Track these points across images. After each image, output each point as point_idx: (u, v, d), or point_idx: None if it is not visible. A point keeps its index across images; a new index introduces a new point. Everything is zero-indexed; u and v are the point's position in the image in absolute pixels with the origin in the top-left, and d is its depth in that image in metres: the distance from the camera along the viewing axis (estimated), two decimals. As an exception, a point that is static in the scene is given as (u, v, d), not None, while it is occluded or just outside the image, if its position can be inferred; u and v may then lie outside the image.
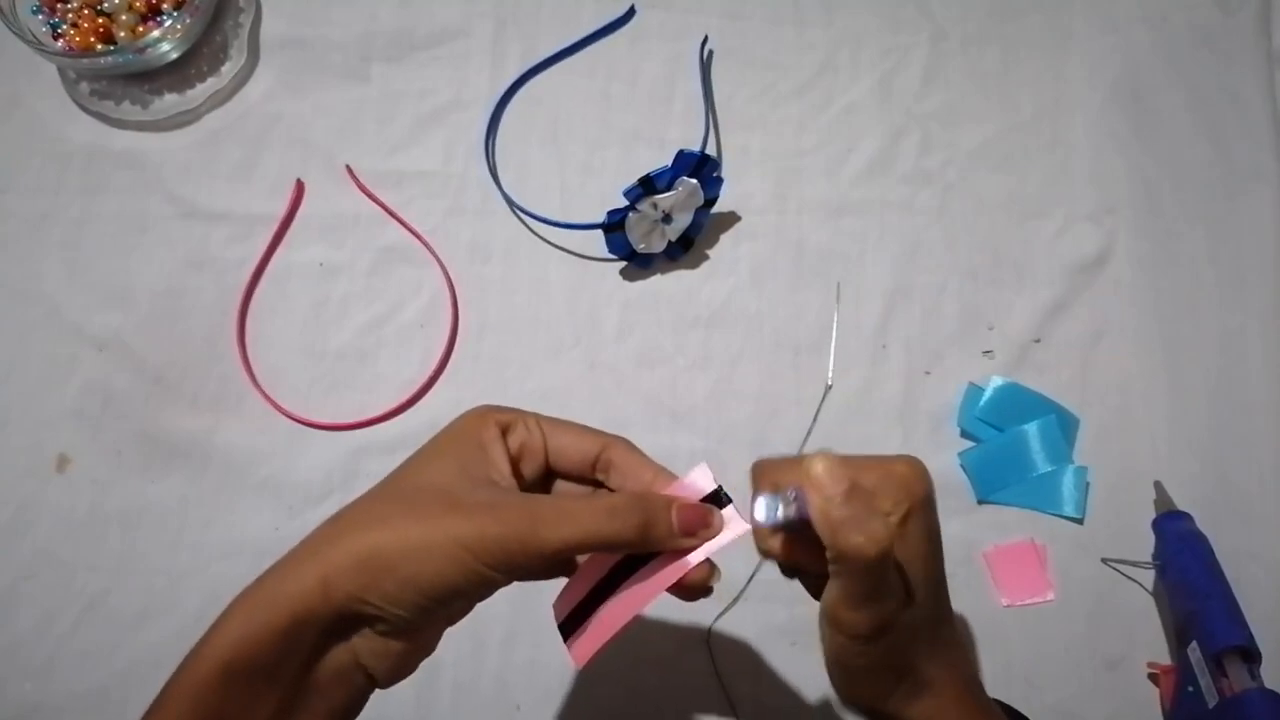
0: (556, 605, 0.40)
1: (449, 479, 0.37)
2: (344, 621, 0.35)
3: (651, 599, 0.37)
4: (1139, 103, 0.72)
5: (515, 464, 0.39)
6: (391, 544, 0.35)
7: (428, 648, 0.38)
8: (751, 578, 0.61)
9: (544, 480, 0.41)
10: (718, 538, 0.38)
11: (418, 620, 0.35)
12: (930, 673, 0.40)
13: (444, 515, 0.35)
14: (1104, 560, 0.62)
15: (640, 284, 0.68)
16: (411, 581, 0.34)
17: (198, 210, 0.68)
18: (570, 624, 0.39)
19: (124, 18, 0.69)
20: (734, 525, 0.38)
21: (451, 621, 0.39)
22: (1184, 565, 0.58)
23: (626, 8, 0.73)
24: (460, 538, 0.34)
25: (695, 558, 0.37)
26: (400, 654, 0.37)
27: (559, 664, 0.60)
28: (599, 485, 0.41)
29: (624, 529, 0.36)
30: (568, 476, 0.41)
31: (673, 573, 0.37)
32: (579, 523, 0.35)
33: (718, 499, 0.38)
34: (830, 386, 0.65)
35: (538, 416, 0.40)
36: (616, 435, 0.41)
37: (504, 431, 0.39)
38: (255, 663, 0.35)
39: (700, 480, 0.39)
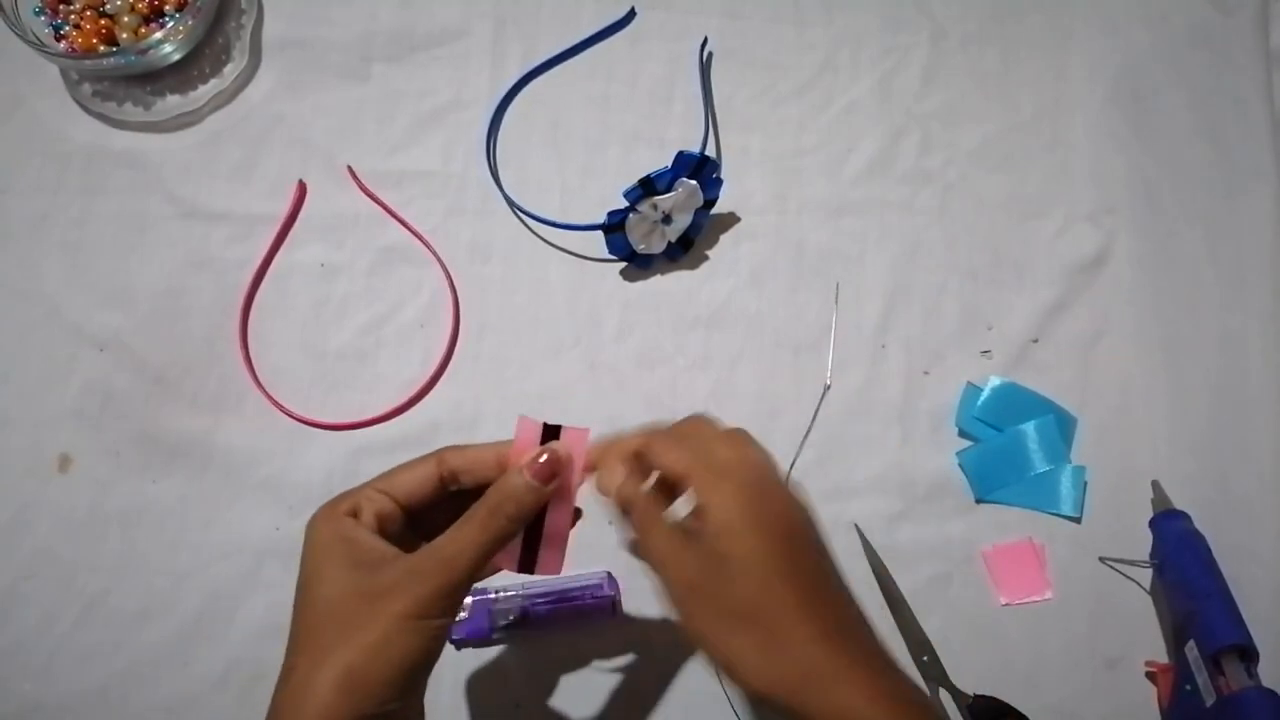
0: (503, 560, 0.43)
1: (349, 582, 0.40)
2: None
3: (572, 500, 0.43)
4: (1139, 103, 0.72)
5: (381, 532, 0.42)
6: (358, 658, 0.38)
7: None
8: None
9: (410, 528, 0.44)
10: (573, 454, 0.43)
11: (412, 702, 0.40)
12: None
13: (377, 608, 0.38)
14: (1102, 559, 0.62)
15: (640, 284, 0.68)
16: (389, 673, 0.38)
17: (198, 210, 0.68)
18: (527, 561, 0.44)
19: (126, 19, 0.69)
20: (577, 436, 0.43)
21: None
22: (1182, 564, 0.58)
23: (627, 9, 0.73)
24: (404, 613, 0.38)
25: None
26: None
27: (559, 664, 0.60)
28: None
29: (503, 519, 0.41)
30: (426, 509, 0.44)
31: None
32: (471, 540, 0.40)
33: (555, 433, 0.43)
34: (829, 386, 0.66)
35: (371, 484, 0.43)
36: (436, 451, 0.44)
37: (354, 514, 0.42)
38: None
39: (528, 431, 0.43)
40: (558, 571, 0.44)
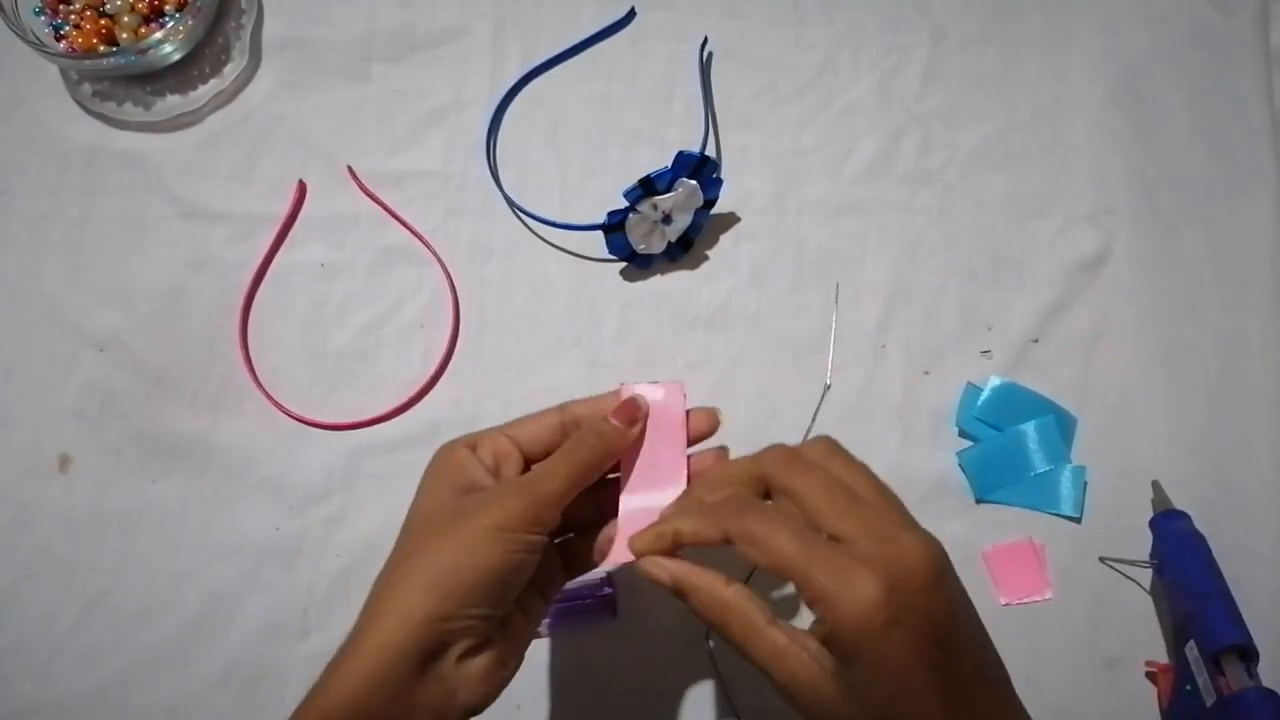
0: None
1: (452, 498, 0.43)
2: (430, 654, 0.39)
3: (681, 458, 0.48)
4: (1139, 103, 0.72)
5: (495, 472, 0.45)
6: (445, 561, 0.40)
7: (508, 663, 0.43)
8: (750, 577, 0.61)
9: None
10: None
11: (492, 613, 0.41)
12: None
13: (469, 519, 0.41)
14: (1102, 559, 0.62)
15: (640, 284, 0.68)
16: (475, 577, 0.40)
17: (198, 210, 0.68)
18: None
19: (126, 19, 0.69)
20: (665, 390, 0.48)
21: (518, 638, 0.44)
22: (1182, 564, 0.58)
23: (627, 9, 0.73)
24: (493, 525, 0.41)
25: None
26: (487, 670, 0.41)
27: (559, 664, 0.60)
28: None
29: (586, 449, 0.45)
30: (536, 446, 0.47)
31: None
32: (557, 465, 0.44)
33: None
34: (829, 386, 0.66)
35: (496, 427, 0.47)
36: (563, 403, 0.48)
37: (473, 449, 0.45)
38: (356, 713, 0.38)
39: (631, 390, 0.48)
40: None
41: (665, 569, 0.42)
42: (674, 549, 0.42)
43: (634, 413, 0.47)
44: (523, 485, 0.43)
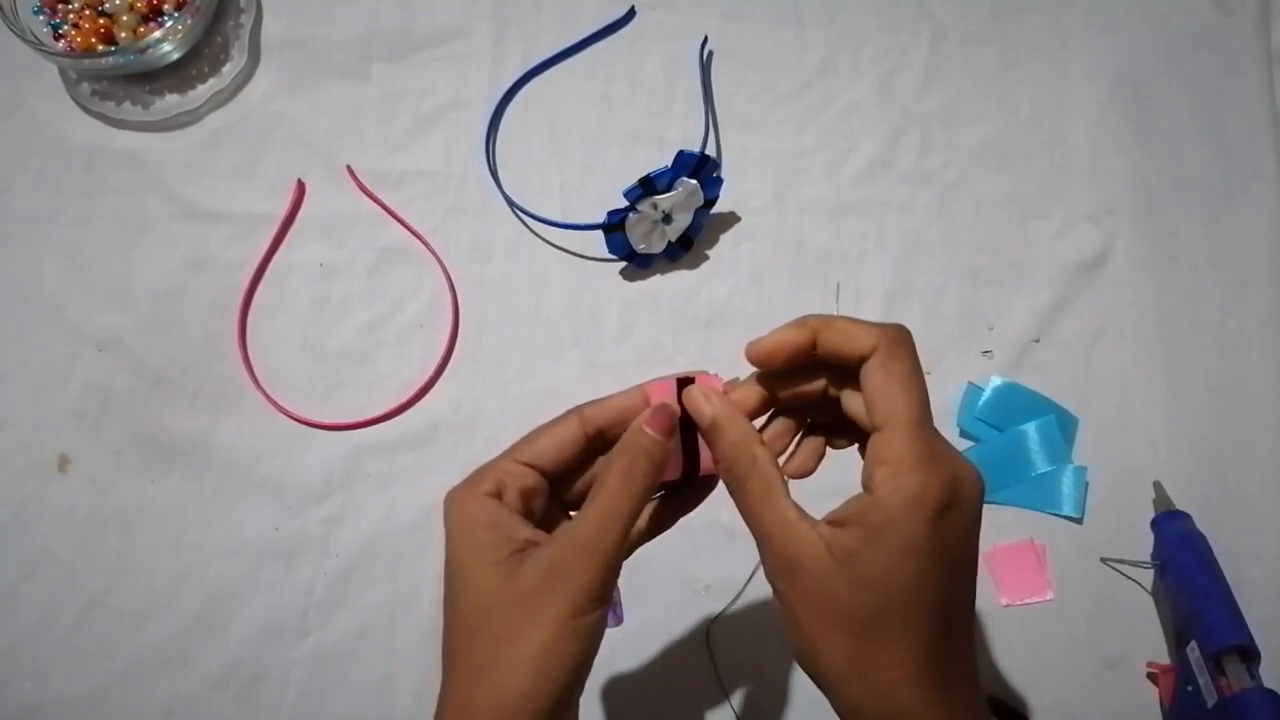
0: (667, 473, 0.40)
1: (495, 584, 0.36)
2: None
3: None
4: (1139, 103, 0.72)
5: (528, 513, 0.39)
6: (518, 678, 0.35)
7: None
8: (751, 577, 0.61)
9: (553, 497, 0.41)
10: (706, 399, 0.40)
11: (573, 705, 0.36)
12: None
13: (530, 615, 0.35)
14: (1103, 560, 0.62)
15: (640, 284, 0.68)
16: (552, 687, 0.35)
17: (198, 210, 0.68)
18: (691, 468, 0.41)
19: (125, 18, 0.69)
20: (708, 382, 0.41)
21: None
22: (1183, 565, 0.58)
23: (626, 8, 0.73)
24: (557, 616, 0.35)
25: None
26: None
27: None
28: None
29: (639, 480, 0.37)
30: (570, 471, 0.41)
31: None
32: (611, 515, 0.36)
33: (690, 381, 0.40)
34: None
35: (511, 454, 0.40)
36: (571, 410, 0.41)
37: (498, 495, 0.38)
38: None
39: (660, 389, 0.40)
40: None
41: (710, 403, 0.39)
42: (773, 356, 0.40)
43: (670, 422, 0.39)
44: (580, 557, 0.36)
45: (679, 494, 0.42)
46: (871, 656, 0.35)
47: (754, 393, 0.41)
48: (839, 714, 0.37)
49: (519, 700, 0.35)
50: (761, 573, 0.62)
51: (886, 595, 0.35)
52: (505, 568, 0.36)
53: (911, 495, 0.34)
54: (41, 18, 0.69)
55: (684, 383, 0.40)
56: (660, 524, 0.42)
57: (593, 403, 0.41)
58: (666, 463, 0.39)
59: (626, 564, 0.58)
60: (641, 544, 0.42)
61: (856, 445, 0.41)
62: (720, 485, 0.41)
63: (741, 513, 0.38)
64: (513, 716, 0.35)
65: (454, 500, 0.38)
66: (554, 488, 0.40)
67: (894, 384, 0.37)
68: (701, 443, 0.40)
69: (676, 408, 0.40)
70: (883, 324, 0.38)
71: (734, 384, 0.42)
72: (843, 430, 0.41)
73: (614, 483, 0.37)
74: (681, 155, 0.61)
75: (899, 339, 0.38)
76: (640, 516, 0.39)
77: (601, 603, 0.36)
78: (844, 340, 0.38)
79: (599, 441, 0.41)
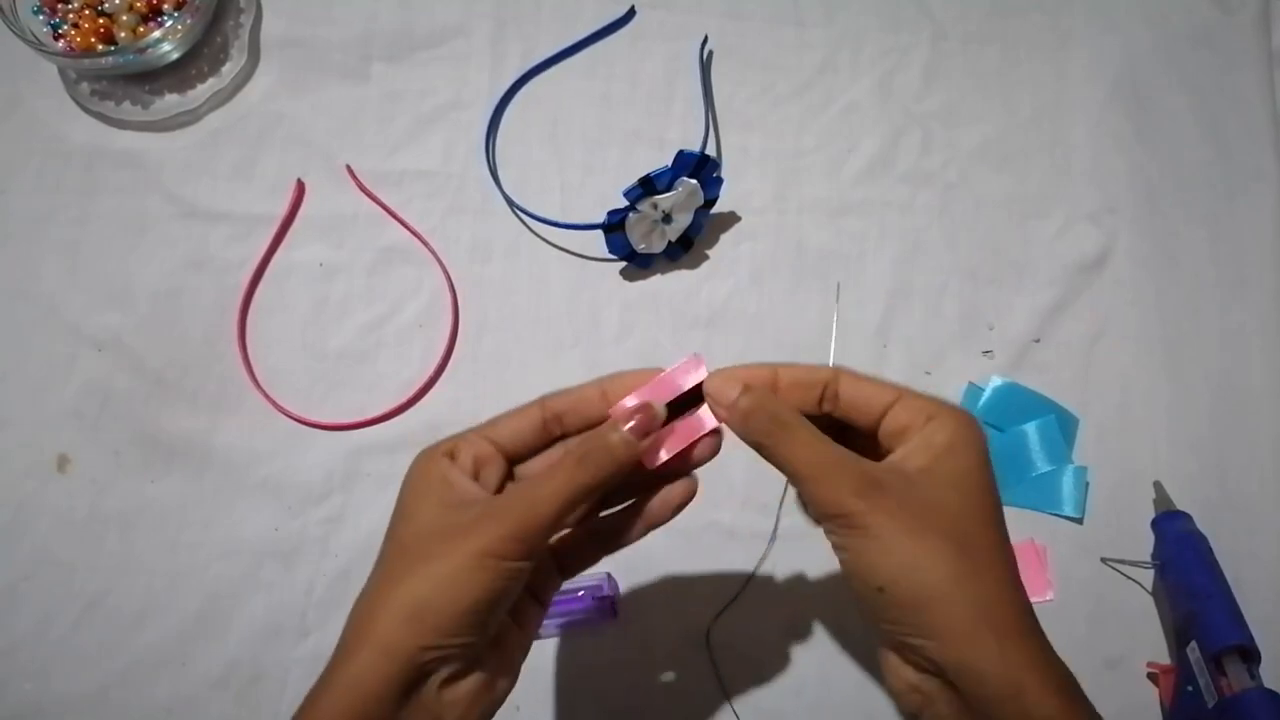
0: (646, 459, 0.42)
1: (435, 517, 0.39)
2: (412, 683, 0.37)
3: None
4: (1139, 103, 0.72)
5: (476, 477, 0.41)
6: (427, 589, 0.37)
7: (497, 684, 0.41)
8: (751, 577, 0.61)
9: (513, 476, 0.44)
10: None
11: (476, 641, 0.38)
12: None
13: (453, 545, 0.38)
14: (1103, 560, 0.62)
15: (640, 284, 0.68)
16: (457, 607, 0.37)
17: (197, 210, 0.68)
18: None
19: (125, 18, 0.69)
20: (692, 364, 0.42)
21: (511, 652, 0.42)
22: (1183, 565, 0.58)
23: (626, 8, 0.73)
24: (480, 550, 0.37)
25: (707, 422, 0.42)
26: (474, 694, 0.39)
27: (559, 664, 0.60)
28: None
29: (592, 469, 0.39)
30: (529, 455, 0.44)
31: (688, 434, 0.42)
32: (556, 486, 0.39)
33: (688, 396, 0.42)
34: (830, 386, 0.65)
35: (474, 429, 0.43)
36: (540, 397, 0.44)
37: (452, 457, 0.41)
38: None
39: (684, 374, 0.42)
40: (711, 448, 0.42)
41: (734, 376, 0.42)
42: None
43: (650, 423, 0.40)
44: (511, 508, 0.39)
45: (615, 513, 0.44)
46: (975, 559, 0.37)
47: (764, 373, 0.42)
48: (929, 635, 0.36)
49: (424, 610, 0.37)
50: (761, 573, 0.62)
51: (970, 499, 0.38)
52: (446, 510, 0.39)
53: (965, 421, 0.39)
54: (41, 17, 0.69)
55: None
56: (592, 531, 0.44)
57: (557, 391, 0.44)
58: (627, 462, 0.40)
59: (627, 564, 0.58)
60: (569, 526, 0.44)
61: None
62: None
63: (791, 459, 0.39)
64: (416, 621, 0.37)
65: (414, 461, 0.42)
66: (512, 465, 0.43)
67: (880, 383, 0.41)
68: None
69: (661, 411, 0.41)
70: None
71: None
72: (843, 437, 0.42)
73: (570, 463, 0.39)
74: (681, 155, 0.61)
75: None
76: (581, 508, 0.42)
77: (519, 555, 0.38)
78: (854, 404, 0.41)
79: (556, 426, 0.43)
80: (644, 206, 0.63)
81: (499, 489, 0.42)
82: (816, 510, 0.38)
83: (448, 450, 0.42)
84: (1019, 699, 0.35)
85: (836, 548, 0.38)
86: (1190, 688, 0.55)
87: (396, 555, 0.40)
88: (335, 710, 0.37)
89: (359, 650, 0.37)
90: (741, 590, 0.61)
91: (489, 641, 0.39)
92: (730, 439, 0.62)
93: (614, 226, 0.64)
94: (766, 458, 0.40)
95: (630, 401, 0.42)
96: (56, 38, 0.69)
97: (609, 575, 0.60)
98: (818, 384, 0.41)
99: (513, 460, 0.43)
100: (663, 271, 0.68)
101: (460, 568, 0.37)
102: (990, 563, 0.37)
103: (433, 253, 0.68)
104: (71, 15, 0.69)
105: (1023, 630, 0.37)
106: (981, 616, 0.36)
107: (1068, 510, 0.63)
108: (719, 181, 0.65)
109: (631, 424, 0.40)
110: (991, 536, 0.38)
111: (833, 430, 0.40)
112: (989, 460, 0.39)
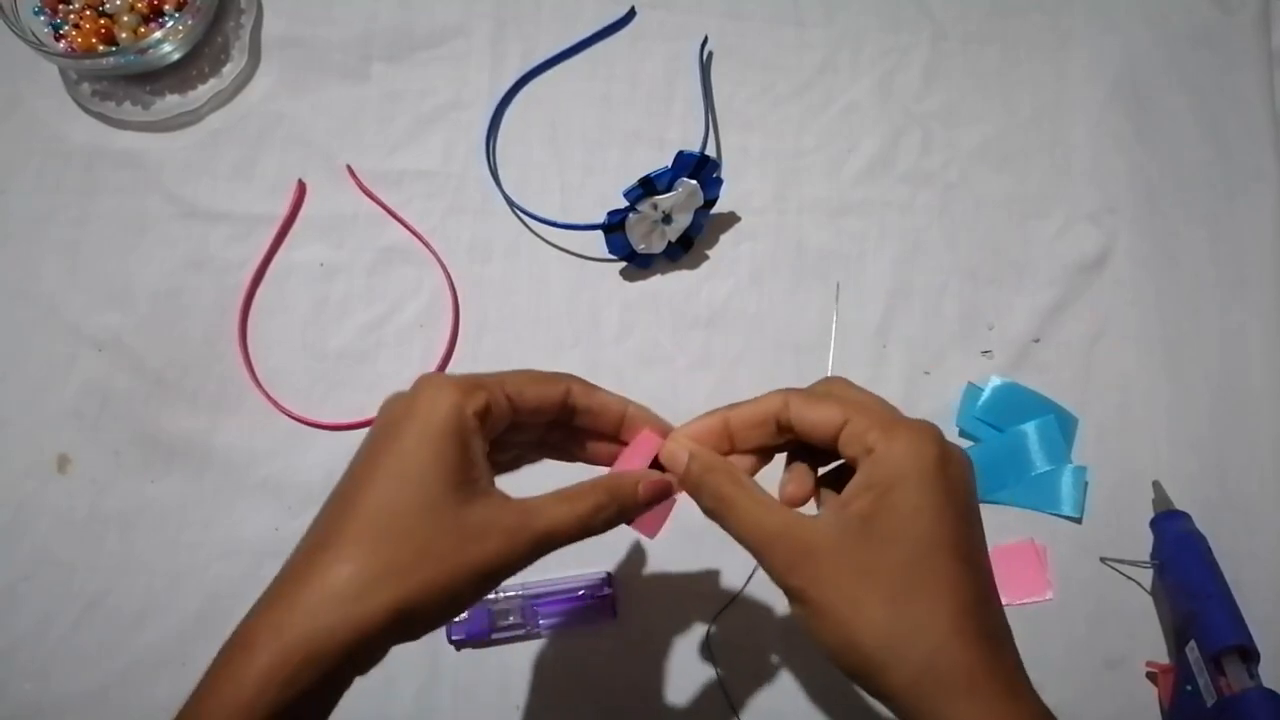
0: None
1: (441, 502, 0.36)
2: (371, 659, 0.36)
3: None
4: (1139, 103, 0.72)
5: (486, 435, 0.39)
6: (420, 598, 0.35)
7: None
8: (751, 576, 0.61)
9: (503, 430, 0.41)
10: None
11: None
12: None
13: (457, 551, 0.36)
14: (1103, 560, 0.62)
15: (640, 284, 0.68)
16: (440, 620, 0.37)
17: (198, 210, 0.68)
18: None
19: (126, 19, 0.69)
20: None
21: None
22: (1183, 565, 0.58)
23: (627, 9, 0.73)
24: (482, 569, 0.36)
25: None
26: None
27: (559, 664, 0.60)
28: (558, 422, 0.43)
29: (602, 519, 0.39)
30: (531, 418, 0.42)
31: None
32: (569, 524, 0.38)
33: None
34: (830, 386, 0.65)
35: (500, 380, 0.40)
36: (563, 375, 0.42)
37: (480, 417, 0.38)
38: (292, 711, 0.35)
39: (644, 446, 0.43)
40: (651, 535, 0.43)
41: (678, 443, 0.42)
42: (718, 439, 0.43)
43: (659, 494, 0.41)
44: (527, 536, 0.37)
45: None
46: (912, 616, 0.35)
47: (715, 423, 0.43)
48: (887, 699, 0.36)
49: (413, 615, 0.35)
50: (761, 573, 0.62)
51: (913, 543, 0.36)
52: (460, 495, 0.36)
53: (912, 445, 0.37)
54: (42, 18, 0.69)
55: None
56: None
57: (582, 382, 0.42)
58: (630, 517, 0.41)
59: (627, 564, 0.58)
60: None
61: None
62: None
63: (736, 532, 0.39)
64: (401, 624, 0.35)
65: (439, 387, 0.38)
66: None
67: (838, 397, 0.41)
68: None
69: (675, 485, 0.42)
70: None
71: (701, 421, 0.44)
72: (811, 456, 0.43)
73: (587, 508, 0.39)
74: (681, 155, 0.61)
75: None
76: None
77: (504, 579, 0.37)
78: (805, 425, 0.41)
79: (569, 417, 0.42)
80: (644, 207, 0.63)
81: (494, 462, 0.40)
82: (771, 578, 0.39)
83: (479, 409, 0.38)
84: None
85: (792, 614, 0.39)
86: (1189, 687, 0.55)
87: (392, 526, 0.36)
88: (303, 680, 0.34)
89: (335, 629, 0.34)
90: (741, 590, 0.61)
91: None
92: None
93: (614, 227, 0.64)
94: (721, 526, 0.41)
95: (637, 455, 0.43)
96: (57, 38, 0.69)
97: (609, 574, 0.60)
98: (769, 418, 0.42)
99: (518, 423, 0.41)
100: (663, 271, 0.68)
101: (459, 584, 0.36)
102: (938, 610, 0.35)
103: (433, 253, 0.68)
104: (73, 16, 0.69)
105: (974, 678, 0.34)
106: (926, 675, 0.34)
107: (1067, 510, 0.63)
108: (719, 182, 0.65)
109: (647, 486, 0.41)
110: (946, 572, 0.36)
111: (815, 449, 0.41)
112: (950, 478, 0.37)
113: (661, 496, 0.42)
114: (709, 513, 0.41)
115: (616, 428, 0.44)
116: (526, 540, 0.37)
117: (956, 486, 0.37)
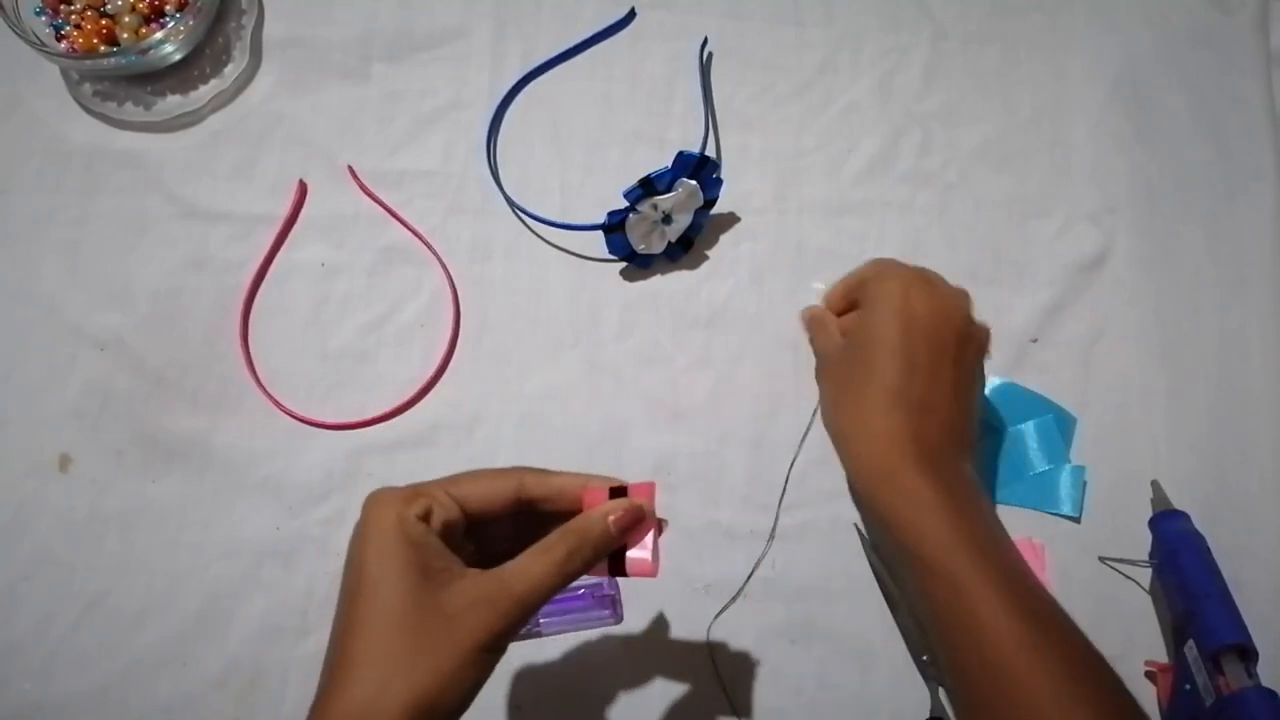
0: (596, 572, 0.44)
1: (418, 596, 0.39)
2: None
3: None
4: (1139, 103, 0.72)
5: (444, 540, 0.41)
6: (430, 686, 0.37)
7: None
8: (750, 576, 0.61)
9: (467, 532, 0.44)
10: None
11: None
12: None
13: (451, 635, 0.38)
14: (1102, 559, 0.62)
15: (640, 284, 0.68)
16: (459, 704, 0.39)
17: (198, 210, 0.68)
18: (616, 566, 0.44)
19: (127, 19, 0.69)
20: (646, 489, 0.44)
21: None
22: (1181, 564, 0.58)
23: (627, 9, 0.73)
24: (479, 645, 0.38)
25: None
26: None
27: (559, 665, 0.60)
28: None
29: (579, 562, 0.41)
30: (485, 515, 0.43)
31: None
32: (546, 578, 0.40)
33: (622, 492, 0.44)
34: (830, 386, 0.65)
35: (444, 485, 0.43)
36: (514, 470, 0.44)
37: (425, 518, 0.41)
38: None
39: (597, 495, 0.44)
40: (653, 573, 0.44)
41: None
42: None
43: (635, 519, 0.43)
44: (510, 601, 0.39)
45: None
46: (855, 391, 0.52)
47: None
48: (850, 473, 0.53)
49: (431, 707, 0.37)
50: (761, 572, 0.62)
51: (859, 341, 0.53)
52: (432, 584, 0.39)
53: (885, 284, 0.53)
54: (43, 18, 0.69)
55: (616, 492, 0.44)
56: None
57: (535, 471, 0.44)
58: (608, 552, 0.43)
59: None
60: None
61: None
62: None
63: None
64: (429, 706, 0.37)
65: (379, 512, 0.41)
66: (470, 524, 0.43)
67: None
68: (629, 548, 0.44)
69: (651, 514, 0.43)
70: None
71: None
72: None
73: (560, 557, 0.41)
74: (681, 156, 0.61)
75: None
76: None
77: (508, 644, 0.40)
78: None
79: (528, 508, 0.44)
80: (644, 207, 0.63)
81: (463, 553, 0.42)
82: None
83: (420, 510, 0.41)
84: (891, 478, 0.49)
85: None
86: (1188, 686, 0.55)
87: (385, 637, 0.38)
88: None
89: None
90: (741, 590, 0.61)
91: None
92: (733, 439, 0.62)
93: (614, 227, 0.64)
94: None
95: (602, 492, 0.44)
96: (59, 38, 0.69)
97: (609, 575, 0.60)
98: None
99: (472, 523, 0.43)
100: (663, 271, 0.68)
101: (464, 663, 0.38)
102: (871, 382, 0.51)
103: (433, 253, 0.68)
104: (74, 16, 0.69)
105: (891, 452, 0.49)
106: (862, 437, 0.51)
107: (1066, 509, 0.63)
108: (719, 182, 0.65)
109: (616, 517, 0.42)
110: (877, 363, 0.51)
111: None
112: (910, 300, 0.52)
113: (634, 522, 0.43)
114: None
115: (579, 505, 0.44)
116: (511, 603, 0.39)
117: (918, 307, 0.52)
